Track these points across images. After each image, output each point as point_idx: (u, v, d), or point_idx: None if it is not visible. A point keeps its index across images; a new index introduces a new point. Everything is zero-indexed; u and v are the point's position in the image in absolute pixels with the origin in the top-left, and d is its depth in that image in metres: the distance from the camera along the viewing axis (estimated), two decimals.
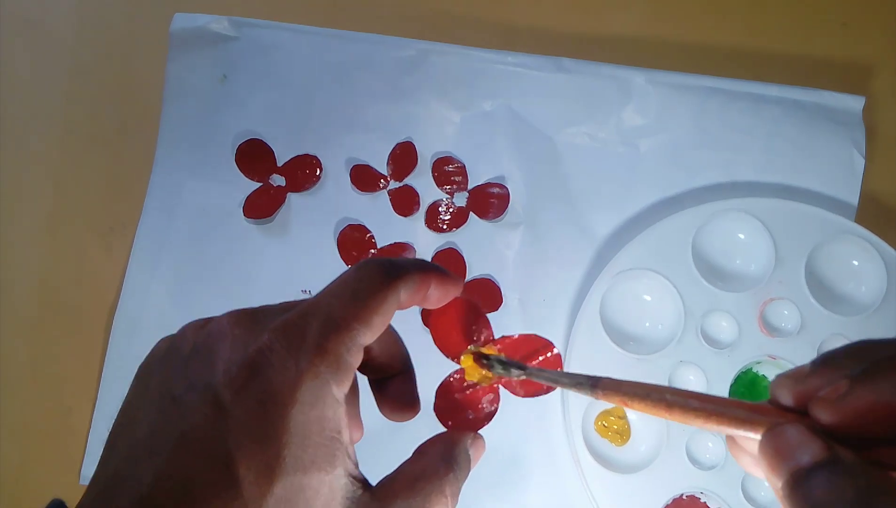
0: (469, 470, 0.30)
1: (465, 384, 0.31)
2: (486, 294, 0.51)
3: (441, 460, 0.28)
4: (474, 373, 0.31)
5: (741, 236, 0.50)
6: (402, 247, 0.52)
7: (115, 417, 0.27)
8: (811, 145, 0.51)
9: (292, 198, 0.53)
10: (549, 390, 0.31)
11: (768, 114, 0.52)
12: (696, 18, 0.55)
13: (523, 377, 0.30)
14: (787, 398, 0.23)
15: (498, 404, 0.31)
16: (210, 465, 0.23)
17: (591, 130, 0.52)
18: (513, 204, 0.52)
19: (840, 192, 0.51)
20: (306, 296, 0.51)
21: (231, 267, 0.52)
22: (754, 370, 0.48)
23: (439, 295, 0.29)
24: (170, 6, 0.54)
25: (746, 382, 0.48)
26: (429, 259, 0.51)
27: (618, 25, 0.55)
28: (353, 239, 0.52)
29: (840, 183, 0.51)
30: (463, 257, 0.51)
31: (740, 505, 0.46)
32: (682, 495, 0.46)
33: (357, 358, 0.25)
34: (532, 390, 0.31)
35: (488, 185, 0.52)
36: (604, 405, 0.48)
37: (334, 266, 0.52)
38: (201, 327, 0.27)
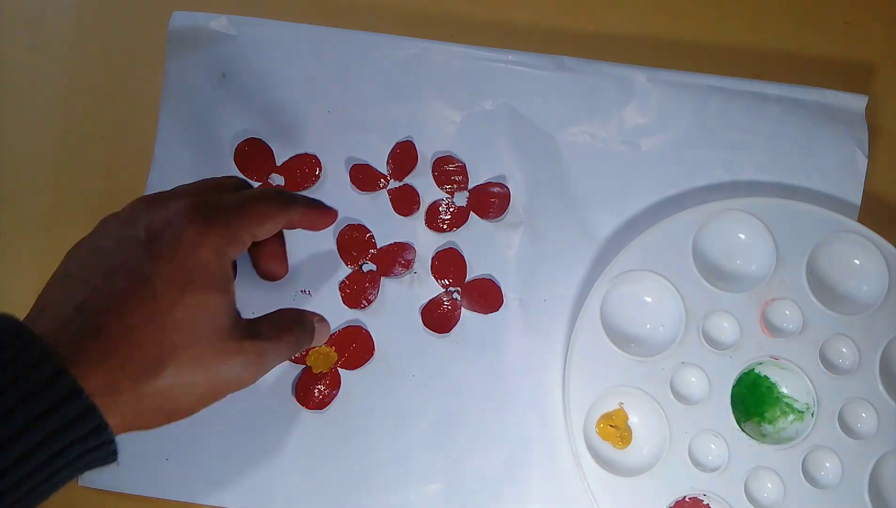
0: (312, 339, 0.41)
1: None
2: (487, 294, 0.50)
3: (295, 312, 0.42)
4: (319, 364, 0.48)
5: (742, 235, 0.49)
6: (402, 247, 0.51)
7: None
8: (813, 145, 0.51)
9: None
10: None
11: (770, 113, 0.51)
12: (698, 17, 0.55)
13: None
14: None
15: (338, 389, 0.48)
16: (133, 283, 0.31)
17: (592, 129, 0.52)
18: (513, 204, 0.52)
19: (842, 191, 0.51)
20: (306, 296, 0.51)
21: None
22: (756, 370, 0.48)
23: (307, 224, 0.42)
24: (169, 4, 0.54)
25: (748, 383, 0.48)
26: (429, 259, 0.51)
27: (618, 24, 0.55)
28: (352, 239, 0.51)
29: (842, 182, 0.51)
30: (463, 257, 0.51)
31: (743, 507, 0.46)
32: (684, 497, 0.46)
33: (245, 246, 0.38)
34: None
35: (489, 184, 0.52)
36: (606, 407, 0.48)
37: (334, 266, 0.51)
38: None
